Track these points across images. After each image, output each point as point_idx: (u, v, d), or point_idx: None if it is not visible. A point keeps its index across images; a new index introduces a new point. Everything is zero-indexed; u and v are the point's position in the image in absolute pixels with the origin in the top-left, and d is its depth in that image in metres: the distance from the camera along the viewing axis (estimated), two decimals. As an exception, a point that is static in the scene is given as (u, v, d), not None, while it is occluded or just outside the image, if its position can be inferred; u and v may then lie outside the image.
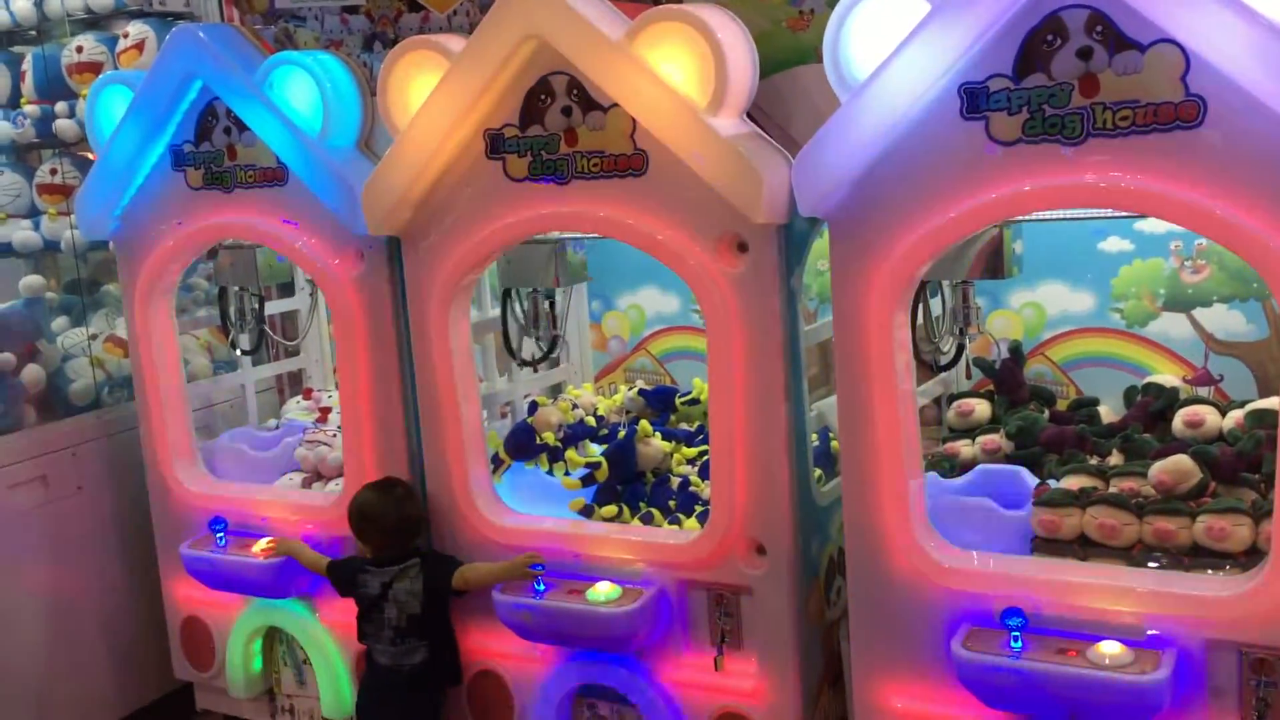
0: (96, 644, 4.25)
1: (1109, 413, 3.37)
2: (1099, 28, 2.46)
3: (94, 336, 4.39)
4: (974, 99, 2.60)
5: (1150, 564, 2.76)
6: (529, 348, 3.81)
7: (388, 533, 3.45)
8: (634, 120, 3.02)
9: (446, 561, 3.47)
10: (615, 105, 3.02)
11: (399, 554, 3.45)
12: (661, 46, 2.93)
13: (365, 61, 4.60)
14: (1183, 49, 2.39)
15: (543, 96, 3.13)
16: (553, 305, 3.66)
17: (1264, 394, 3.19)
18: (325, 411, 4.29)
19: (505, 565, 3.35)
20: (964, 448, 3.37)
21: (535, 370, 4.05)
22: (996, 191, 2.63)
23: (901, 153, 2.70)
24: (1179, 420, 3.13)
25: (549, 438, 3.65)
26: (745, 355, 3.02)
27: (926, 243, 2.73)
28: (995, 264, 2.98)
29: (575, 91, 3.08)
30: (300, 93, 3.54)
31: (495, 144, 3.23)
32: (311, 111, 3.53)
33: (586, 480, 3.53)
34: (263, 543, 3.78)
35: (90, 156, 4.36)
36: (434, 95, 3.21)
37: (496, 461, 3.68)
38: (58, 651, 4.11)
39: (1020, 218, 2.91)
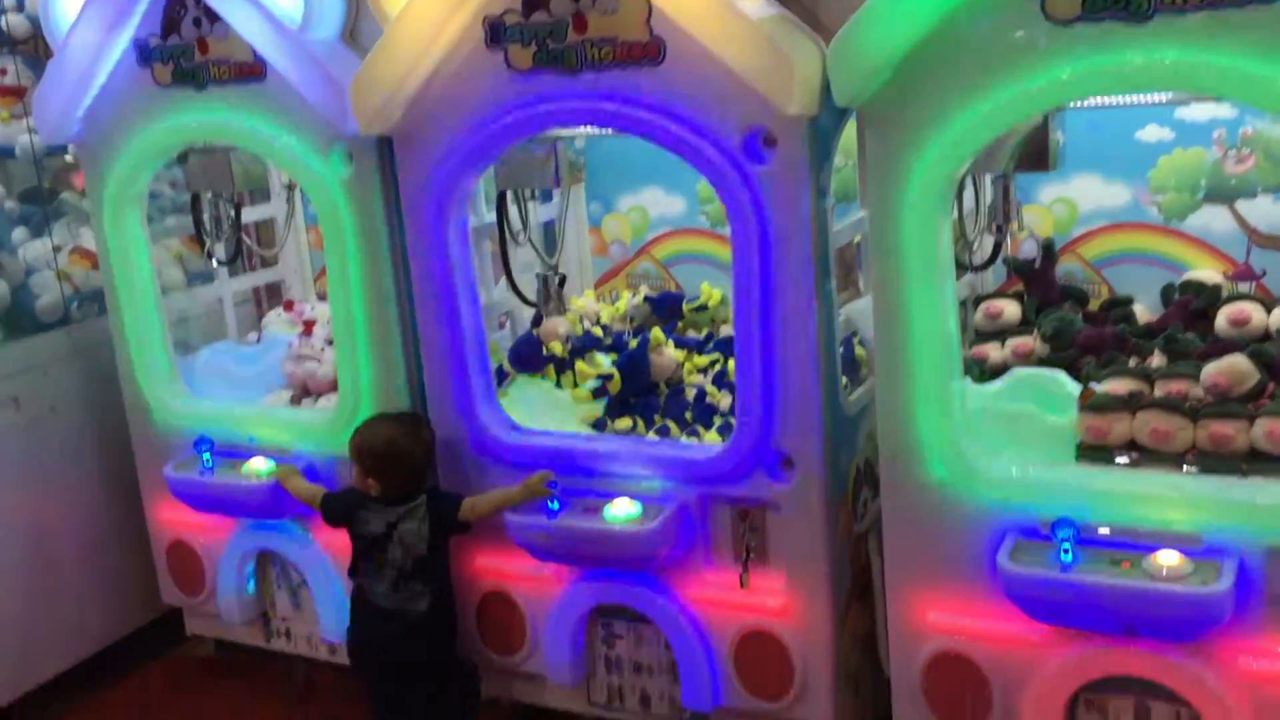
0: (79, 570, 4.07)
1: (1144, 312, 3.23)
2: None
3: (58, 248, 4.13)
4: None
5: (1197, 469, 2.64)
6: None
7: (409, 474, 3.23)
8: (650, 4, 2.78)
9: (450, 497, 3.27)
10: (629, -13, 2.78)
11: (410, 492, 3.23)
12: (680, -80, 2.69)
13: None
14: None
15: (548, -22, 2.88)
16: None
17: (1311, 289, 3.06)
18: (309, 325, 4.06)
19: (516, 490, 3.18)
20: (993, 351, 3.23)
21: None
22: (1048, 76, 2.44)
23: (948, 34, 2.49)
24: (1223, 318, 2.99)
25: (556, 348, 3.46)
26: (773, 257, 2.84)
27: (973, 132, 2.54)
28: (1039, 156, 2.80)
29: (585, -27, 2.84)
30: (278, -22, 3.25)
31: (496, 32, 2.98)
32: (290, 1, 3.25)
33: (598, 393, 3.36)
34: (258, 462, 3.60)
35: (43, 56, 4.06)
36: (428, -21, 2.96)
37: (500, 375, 3.50)
38: (40, 578, 3.94)
39: (1075, 103, 2.71)
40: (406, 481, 3.22)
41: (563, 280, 3.44)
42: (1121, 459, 2.70)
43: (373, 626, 3.28)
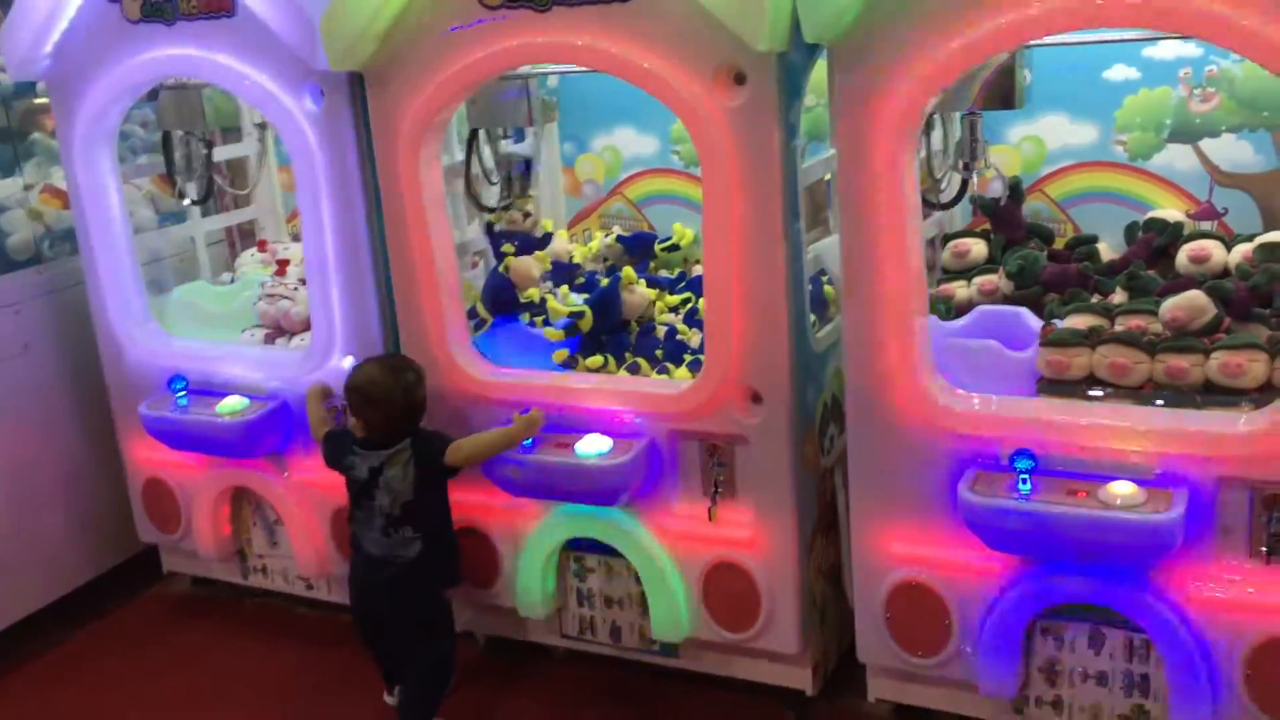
0: (55, 508, 4.09)
1: (1108, 250, 3.27)
2: None
3: (29, 187, 4.11)
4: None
5: (1157, 402, 2.70)
6: (491, 196, 3.61)
7: (391, 419, 3.13)
8: (621, -62, 2.78)
9: (435, 439, 3.17)
10: (599, -79, 2.78)
11: (393, 438, 3.14)
12: None
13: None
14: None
15: (518, -89, 2.87)
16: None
17: (1270, 227, 3.11)
18: (283, 264, 4.08)
19: (503, 432, 3.16)
20: (959, 289, 3.28)
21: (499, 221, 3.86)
22: (1013, 13, 2.46)
23: (917, -30, 2.51)
24: (1183, 255, 3.05)
25: (533, 294, 3.47)
26: (742, 194, 2.86)
27: (941, 69, 2.56)
28: (1006, 93, 2.83)
29: (555, -94, 2.83)
30: (246, -89, 3.23)
31: (467, -34, 2.97)
32: (259, -68, 3.23)
33: (569, 330, 3.38)
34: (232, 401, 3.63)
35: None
36: (398, -88, 2.94)
37: (476, 319, 3.52)
38: (15, 517, 3.95)
39: (1035, 42, 2.73)
40: (387, 424, 3.14)
41: (528, 164, 3.39)
42: (1095, 392, 2.74)
43: (366, 573, 3.22)
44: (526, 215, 3.86)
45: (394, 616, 3.21)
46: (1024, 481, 2.64)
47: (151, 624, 4.08)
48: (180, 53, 3.45)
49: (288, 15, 3.22)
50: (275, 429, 3.67)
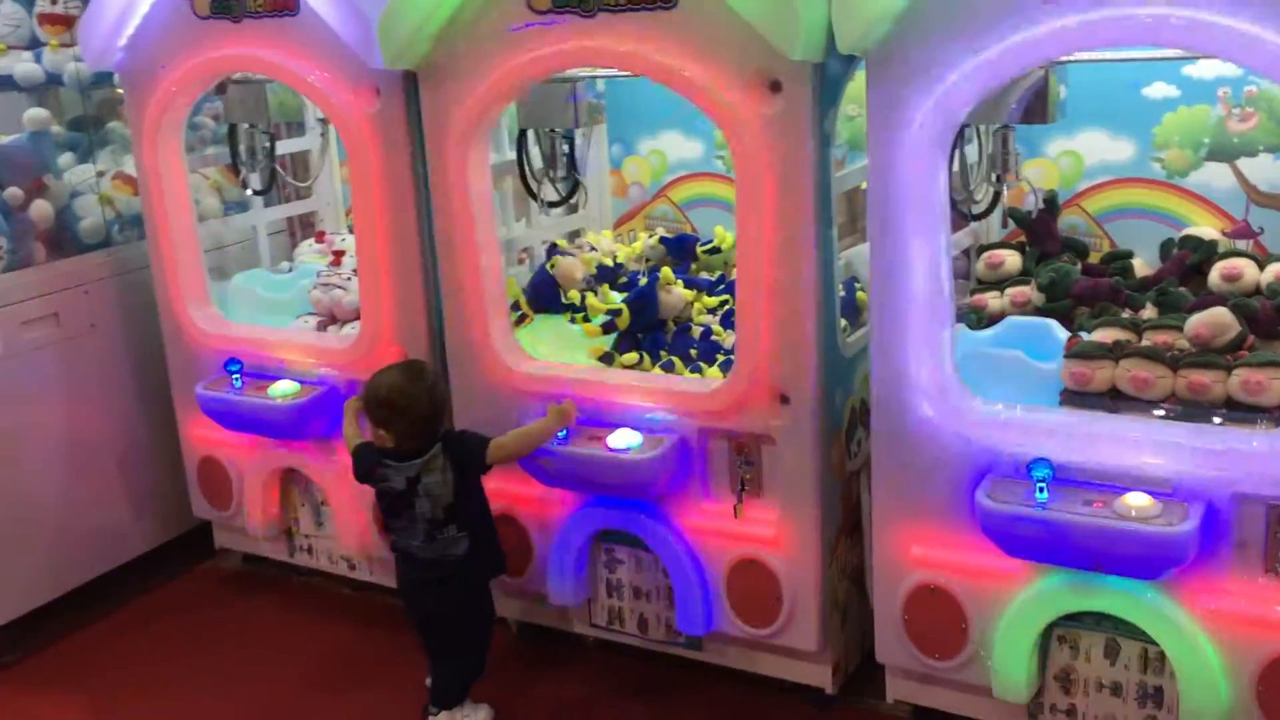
0: (115, 481, 4.27)
1: (1143, 266, 3.30)
2: None
3: (101, 174, 4.29)
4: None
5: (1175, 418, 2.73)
6: (548, 192, 3.71)
7: (417, 424, 3.10)
8: (664, -51, 2.87)
9: (471, 440, 3.18)
10: (645, -68, 2.87)
11: (423, 444, 3.12)
12: None
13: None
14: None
15: (568, -78, 2.97)
16: (572, 147, 3.55)
17: (1305, 248, 3.12)
18: (339, 255, 4.22)
19: (539, 426, 3.21)
20: (992, 299, 3.32)
21: (549, 214, 3.95)
22: (1042, 27, 2.50)
23: (949, -15, 2.57)
24: (1215, 273, 3.07)
25: (574, 297, 3.56)
26: (775, 200, 2.93)
27: (970, 82, 2.61)
28: (1039, 108, 2.87)
29: (603, -83, 2.92)
30: (312, -85, 3.36)
31: (518, -28, 3.08)
32: (324, -64, 3.36)
33: (607, 328, 3.48)
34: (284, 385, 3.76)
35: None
36: (453, -81, 3.06)
37: (519, 314, 3.62)
38: (77, 486, 4.13)
39: (1066, 59, 2.77)
40: (417, 432, 3.11)
41: (570, 143, 3.45)
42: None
43: (416, 576, 3.24)
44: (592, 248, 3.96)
45: (448, 610, 3.26)
46: (1041, 490, 2.68)
47: (203, 597, 4.24)
48: (246, 50, 3.60)
49: (348, 14, 3.35)
50: (324, 413, 3.80)
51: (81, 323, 4.13)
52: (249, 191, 4.27)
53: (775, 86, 2.86)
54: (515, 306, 3.64)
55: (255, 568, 4.33)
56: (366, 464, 3.22)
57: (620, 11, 2.96)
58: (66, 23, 4.32)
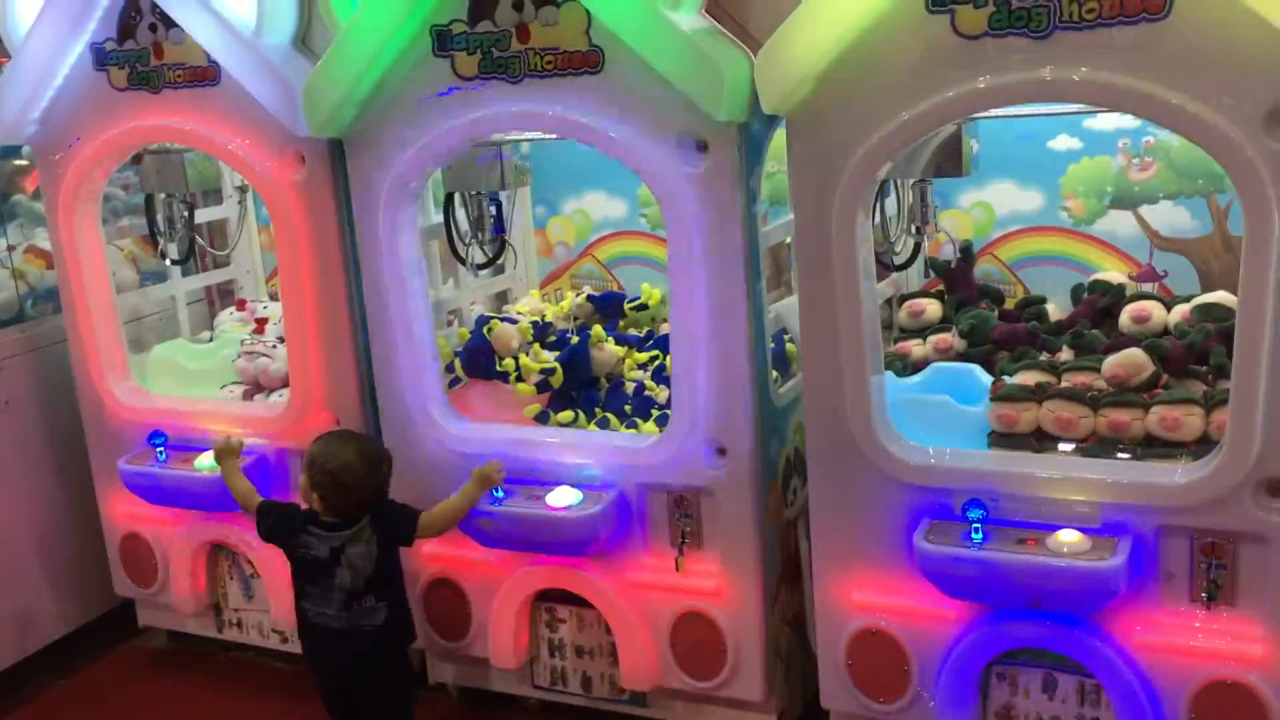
0: (33, 562, 4.14)
1: (1056, 310, 3.43)
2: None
3: (12, 248, 4.20)
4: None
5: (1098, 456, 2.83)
6: (475, 254, 3.73)
7: (355, 504, 3.10)
8: (589, 15, 2.93)
9: (400, 516, 3.17)
10: (570, -1, 2.94)
11: (356, 518, 3.11)
12: (618, -63, 2.85)
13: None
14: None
15: (493, -10, 3.03)
16: (499, 209, 3.58)
17: (1207, 288, 3.26)
18: (262, 322, 4.18)
19: (464, 494, 3.21)
20: (915, 347, 3.41)
21: (477, 276, 3.97)
22: (961, 87, 2.61)
23: (867, 48, 2.67)
24: (1126, 315, 3.21)
25: (509, 365, 3.57)
26: (706, 257, 3.00)
27: (891, 140, 2.71)
28: (953, 162, 2.98)
29: (527, -15, 2.98)
30: (232, -14, 3.37)
31: (443, 41, 3.12)
32: (244, 7, 3.37)
33: (541, 387, 3.50)
34: (209, 457, 3.69)
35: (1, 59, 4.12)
36: (377, -11, 3.09)
37: (453, 378, 3.62)
38: (-7, 570, 4.00)
39: (979, 115, 2.89)
40: (352, 508, 3.10)
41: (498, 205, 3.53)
42: (1065, 447, 2.86)
43: (327, 647, 3.19)
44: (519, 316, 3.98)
45: (366, 684, 3.19)
46: (976, 530, 2.75)
47: (127, 678, 4.11)
48: (166, 121, 3.57)
49: (270, 84, 3.35)
50: (253, 482, 3.72)
51: (-5, 401, 4.02)
52: (168, 261, 4.21)
53: (702, 146, 2.93)
54: (449, 368, 3.64)
55: (182, 645, 4.23)
56: (281, 528, 3.19)
57: (547, 77, 3.02)
58: (-27, 96, 4.24)
